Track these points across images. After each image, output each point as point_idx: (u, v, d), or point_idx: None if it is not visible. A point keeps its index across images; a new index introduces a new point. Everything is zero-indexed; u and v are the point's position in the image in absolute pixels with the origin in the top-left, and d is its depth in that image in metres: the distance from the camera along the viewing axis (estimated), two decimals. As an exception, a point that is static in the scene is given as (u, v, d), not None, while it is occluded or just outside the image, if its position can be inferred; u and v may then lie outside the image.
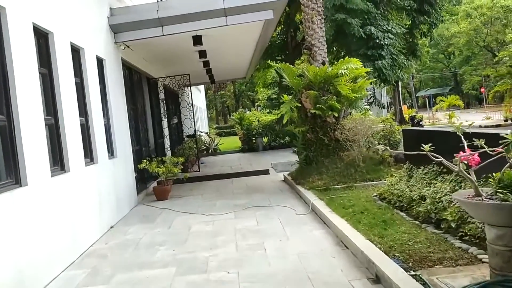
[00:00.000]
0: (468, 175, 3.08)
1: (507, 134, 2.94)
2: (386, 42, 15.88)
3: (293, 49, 20.17)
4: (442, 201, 4.43)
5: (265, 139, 19.10)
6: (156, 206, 7.84)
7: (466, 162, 3.14)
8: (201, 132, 19.52)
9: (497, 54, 38.50)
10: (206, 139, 19.68)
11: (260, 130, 19.38)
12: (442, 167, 5.07)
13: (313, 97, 8.05)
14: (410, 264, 3.59)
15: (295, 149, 13.11)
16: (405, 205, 5.21)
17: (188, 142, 12.91)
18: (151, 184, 9.59)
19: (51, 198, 4.61)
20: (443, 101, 28.36)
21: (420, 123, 21.28)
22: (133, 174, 8.28)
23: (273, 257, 4.44)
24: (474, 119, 22.52)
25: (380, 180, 7.22)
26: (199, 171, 12.04)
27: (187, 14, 7.67)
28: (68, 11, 5.78)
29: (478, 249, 3.67)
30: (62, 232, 4.78)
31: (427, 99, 47.56)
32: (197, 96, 23.89)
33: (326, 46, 9.16)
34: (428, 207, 4.52)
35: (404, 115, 26.20)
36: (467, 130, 3.46)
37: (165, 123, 12.39)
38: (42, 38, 5.09)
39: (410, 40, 19.57)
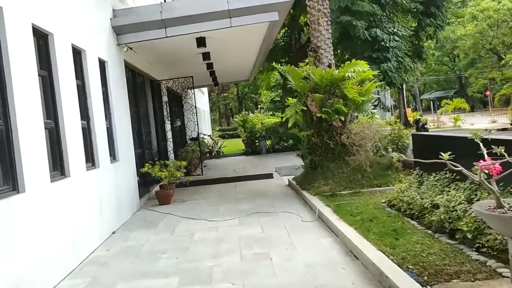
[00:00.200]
0: (490, 186, 2.91)
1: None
2: (392, 45, 15.70)
3: (297, 52, 20.01)
4: (457, 210, 4.25)
5: (268, 142, 18.92)
6: (158, 211, 7.68)
7: (487, 172, 2.96)
8: (204, 134, 19.38)
9: (503, 57, 38.28)
10: (209, 142, 19.53)
11: (264, 133, 19.22)
12: (455, 174, 4.89)
13: (319, 100, 7.88)
14: (425, 277, 3.41)
15: (299, 152, 12.95)
16: (416, 213, 5.02)
17: (191, 145, 12.77)
18: (154, 187, 9.44)
19: (50, 204, 4.46)
20: (449, 104, 28.11)
21: (425, 126, 21.02)
22: (136, 178, 8.13)
23: (280, 268, 4.26)
24: (480, 123, 22.33)
25: (388, 186, 7.03)
26: (202, 174, 11.89)
27: (191, 15, 7.52)
28: (69, 12, 5.64)
29: (497, 262, 3.48)
30: (62, 240, 4.63)
31: (431, 102, 47.26)
32: (200, 98, 23.76)
33: (332, 48, 8.98)
34: (442, 216, 4.33)
35: (409, 118, 25.99)
36: (486, 136, 3.29)
37: (168, 126, 12.25)
38: (42, 39, 4.94)
39: (416, 42, 19.36)
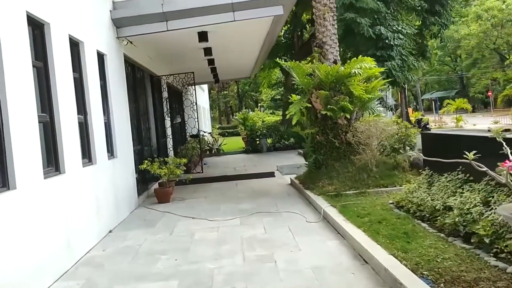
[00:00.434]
0: (517, 188, 2.69)
1: None
2: (396, 43, 15.42)
3: (299, 49, 19.79)
4: (472, 213, 4.03)
5: (269, 140, 18.69)
6: (157, 210, 7.46)
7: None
8: (205, 132, 19.15)
9: (506, 57, 38.07)
10: (209, 139, 19.31)
11: (264, 131, 18.99)
12: (468, 175, 4.67)
13: (324, 97, 7.66)
14: (442, 285, 3.19)
15: (301, 151, 12.74)
16: (427, 215, 4.80)
17: (192, 142, 12.54)
18: (153, 185, 9.22)
19: (43, 202, 4.23)
20: (451, 104, 27.87)
21: (427, 126, 20.84)
22: (134, 175, 7.90)
23: (285, 271, 4.05)
24: (482, 123, 22.11)
25: (395, 186, 6.81)
26: (202, 172, 11.67)
27: (193, 8, 7.29)
28: (67, 2, 5.40)
29: (518, 269, 3.27)
30: (55, 239, 4.40)
31: (432, 102, 47.07)
32: (201, 96, 23.54)
33: (338, 44, 8.75)
34: (456, 219, 4.11)
35: (410, 118, 25.75)
36: (509, 136, 3.07)
37: (168, 123, 12.02)
38: (37, 29, 4.71)
39: (420, 41, 19.09)
